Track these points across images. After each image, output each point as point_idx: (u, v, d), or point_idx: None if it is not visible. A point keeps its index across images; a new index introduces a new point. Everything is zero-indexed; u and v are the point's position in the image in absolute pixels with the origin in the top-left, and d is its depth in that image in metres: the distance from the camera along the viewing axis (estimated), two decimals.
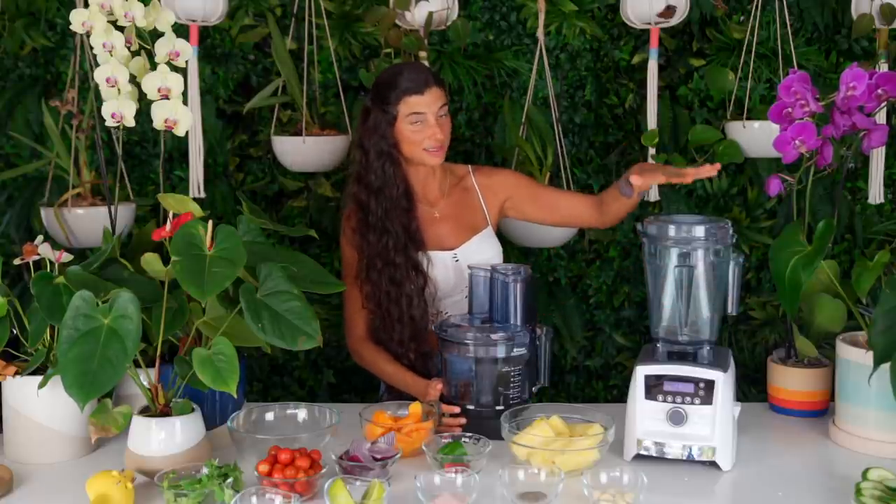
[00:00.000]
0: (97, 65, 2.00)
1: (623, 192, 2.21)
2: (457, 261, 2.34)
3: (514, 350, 2.04)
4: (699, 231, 1.93)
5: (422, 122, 2.26)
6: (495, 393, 2.05)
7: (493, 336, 2.05)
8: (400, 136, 2.28)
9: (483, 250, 2.37)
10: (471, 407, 2.06)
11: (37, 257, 1.98)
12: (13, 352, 1.98)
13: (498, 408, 2.03)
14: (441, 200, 2.41)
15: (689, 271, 1.93)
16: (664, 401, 1.90)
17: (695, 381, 1.88)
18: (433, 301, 2.31)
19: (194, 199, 2.15)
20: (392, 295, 2.27)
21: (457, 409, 2.06)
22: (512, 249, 3.01)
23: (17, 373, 1.92)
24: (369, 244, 2.29)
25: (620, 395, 3.21)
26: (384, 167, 2.29)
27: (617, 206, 2.30)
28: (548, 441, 1.84)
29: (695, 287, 1.93)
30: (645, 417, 1.91)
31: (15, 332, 1.97)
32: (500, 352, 2.04)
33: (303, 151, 2.87)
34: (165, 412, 1.83)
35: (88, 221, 2.61)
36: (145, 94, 1.99)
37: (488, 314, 2.14)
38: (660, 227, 1.95)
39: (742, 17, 3.23)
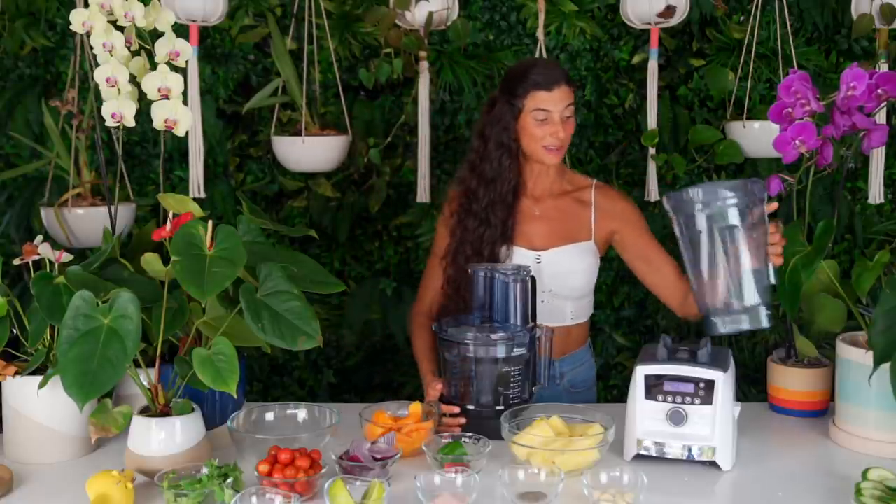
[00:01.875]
0: (97, 65, 2.00)
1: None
2: (539, 262, 2.30)
3: (514, 350, 2.04)
4: (731, 190, 1.86)
5: (546, 119, 2.23)
6: (495, 393, 2.05)
7: (493, 336, 2.05)
8: (522, 131, 2.26)
9: (573, 261, 2.31)
10: (471, 407, 2.06)
11: (37, 257, 1.98)
12: (13, 352, 1.98)
13: (498, 408, 2.03)
14: (546, 200, 2.36)
15: (732, 232, 1.86)
16: (664, 401, 1.90)
17: (695, 381, 1.88)
18: None
19: (194, 199, 2.15)
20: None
21: (456, 409, 2.06)
22: None
23: (17, 373, 1.92)
24: (465, 230, 2.30)
25: (620, 395, 3.21)
26: (501, 159, 2.28)
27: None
28: (548, 441, 1.84)
29: (741, 249, 1.86)
30: (645, 417, 1.91)
31: (15, 332, 1.96)
32: (500, 352, 2.04)
33: (303, 151, 2.87)
34: (165, 412, 1.83)
35: (88, 221, 2.61)
36: (145, 94, 1.99)
37: (488, 314, 2.14)
38: (690, 193, 1.88)
39: (742, 17, 3.23)
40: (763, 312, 1.91)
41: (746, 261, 1.88)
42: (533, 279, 2.13)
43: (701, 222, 1.88)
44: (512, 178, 2.29)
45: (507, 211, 2.29)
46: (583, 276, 2.34)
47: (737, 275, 1.89)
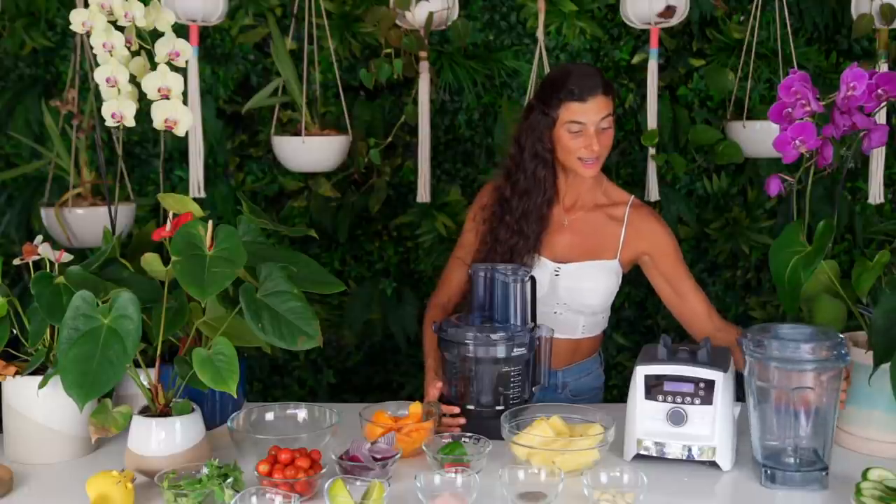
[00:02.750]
0: (97, 65, 2.00)
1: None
2: (557, 275, 2.27)
3: (515, 350, 2.04)
4: (813, 350, 1.79)
5: (581, 131, 2.16)
6: (495, 393, 2.05)
7: (493, 336, 2.05)
8: (556, 141, 2.20)
9: (593, 279, 2.28)
10: (471, 407, 2.06)
11: (37, 257, 1.98)
12: (13, 352, 1.98)
13: (498, 408, 2.03)
14: (577, 211, 2.32)
15: (803, 393, 1.81)
16: (664, 401, 1.89)
17: (695, 381, 1.88)
18: None
19: (194, 199, 2.15)
20: None
21: (456, 410, 2.06)
22: None
23: (17, 373, 1.92)
24: (497, 240, 2.26)
25: (620, 395, 3.21)
26: (536, 170, 2.22)
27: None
28: (548, 441, 1.84)
29: (809, 410, 1.81)
30: (645, 417, 1.91)
31: (15, 332, 1.96)
32: (500, 352, 2.04)
33: (303, 151, 2.87)
34: (165, 412, 1.83)
35: (88, 221, 2.61)
36: (145, 94, 1.99)
37: (488, 314, 2.14)
38: (769, 343, 1.82)
39: (742, 17, 3.23)
40: (705, 349, 1.93)
41: (818, 423, 1.83)
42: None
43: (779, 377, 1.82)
44: (547, 189, 2.24)
45: (541, 224, 2.25)
46: (600, 296, 2.31)
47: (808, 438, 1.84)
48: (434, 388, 2.10)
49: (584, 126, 2.16)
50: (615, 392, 3.42)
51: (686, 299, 2.30)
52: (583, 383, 2.43)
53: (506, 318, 2.10)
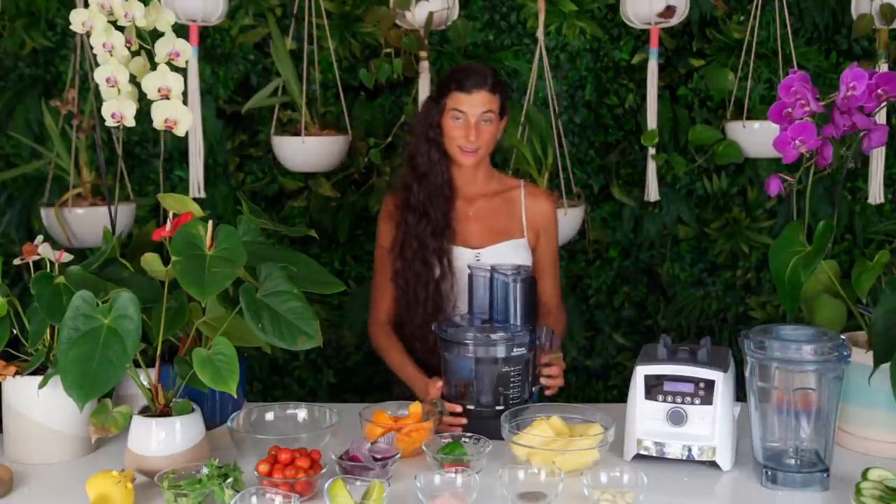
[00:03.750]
0: (97, 65, 2.00)
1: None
2: (478, 259, 2.34)
3: (515, 350, 2.04)
4: (815, 351, 1.79)
5: (461, 120, 2.28)
6: (495, 393, 2.05)
7: (493, 336, 2.05)
8: (443, 129, 2.32)
9: (510, 257, 2.35)
10: (471, 407, 2.06)
11: (37, 257, 1.98)
12: (13, 352, 1.98)
13: (498, 408, 2.03)
14: (478, 201, 2.41)
15: (804, 394, 1.81)
16: (664, 401, 1.89)
17: (695, 381, 1.88)
18: (452, 292, 2.34)
19: (194, 199, 2.15)
20: (422, 276, 2.32)
21: (459, 408, 2.06)
22: None
23: (17, 373, 1.92)
24: (407, 224, 2.34)
25: (620, 395, 3.21)
26: (430, 153, 2.34)
27: None
28: (548, 441, 1.84)
29: (811, 411, 1.82)
30: (645, 417, 1.91)
31: (15, 332, 1.96)
32: (501, 352, 2.04)
33: (303, 151, 2.87)
34: (165, 412, 1.83)
35: (88, 221, 2.61)
36: (145, 94, 1.99)
37: (488, 314, 2.14)
38: (770, 344, 1.82)
39: (742, 17, 3.23)
40: (705, 349, 1.94)
41: (819, 423, 1.83)
42: (534, 279, 2.13)
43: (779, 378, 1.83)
44: (444, 171, 2.35)
45: (446, 204, 2.35)
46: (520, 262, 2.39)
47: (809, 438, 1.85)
48: (434, 388, 2.11)
49: (465, 116, 2.28)
50: (615, 392, 3.42)
51: (543, 276, 2.41)
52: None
53: (506, 319, 2.10)
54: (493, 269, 2.14)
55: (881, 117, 2.50)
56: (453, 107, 2.28)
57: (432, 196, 2.34)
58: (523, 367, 2.07)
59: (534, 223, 2.42)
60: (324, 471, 1.75)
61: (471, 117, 2.28)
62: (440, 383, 2.11)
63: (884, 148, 2.74)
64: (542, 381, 2.15)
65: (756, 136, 2.86)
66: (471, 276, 2.19)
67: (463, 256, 2.34)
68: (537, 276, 2.37)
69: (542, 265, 2.44)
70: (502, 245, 2.37)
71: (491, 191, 2.43)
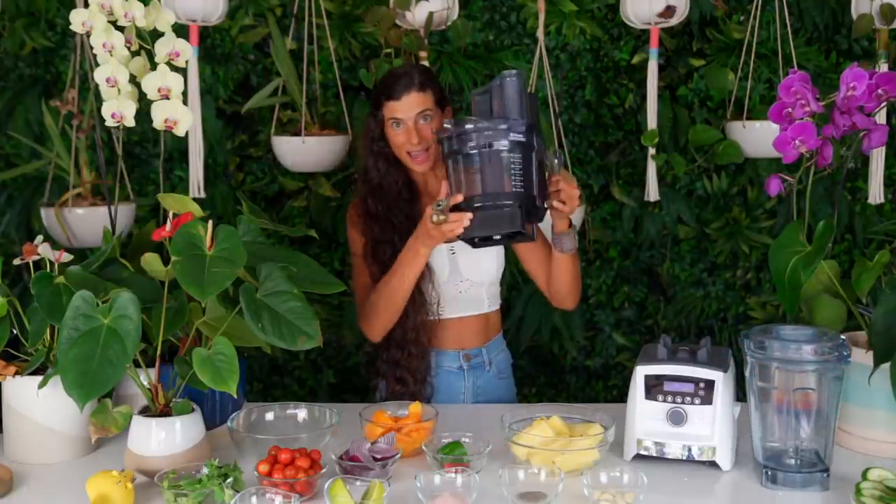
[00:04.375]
0: (97, 65, 2.00)
1: (556, 246, 2.21)
2: (453, 253, 2.36)
3: (511, 136, 1.98)
4: (815, 351, 1.79)
5: (401, 126, 2.28)
6: (496, 183, 1.99)
7: (489, 123, 1.99)
8: (388, 138, 2.32)
9: (485, 250, 2.35)
10: (477, 196, 1.99)
11: (37, 257, 1.98)
12: (13, 352, 1.98)
13: (506, 198, 1.98)
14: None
15: (804, 394, 1.81)
16: (664, 401, 1.89)
17: (695, 381, 1.88)
18: (433, 290, 2.34)
19: (194, 199, 2.15)
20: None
21: (460, 197, 2.01)
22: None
23: (17, 373, 1.92)
24: (374, 233, 2.34)
25: (620, 395, 3.21)
26: (378, 165, 2.34)
27: (556, 271, 2.30)
28: (548, 441, 1.84)
29: (811, 411, 1.82)
30: (645, 417, 1.91)
31: (15, 332, 1.96)
32: (500, 137, 1.98)
33: (303, 151, 2.87)
34: (165, 412, 1.83)
35: (88, 221, 2.61)
36: (145, 94, 1.99)
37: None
38: (770, 344, 1.82)
39: (742, 17, 3.23)
40: (705, 349, 1.94)
41: (820, 423, 1.83)
42: (522, 74, 2.07)
43: (780, 378, 1.83)
44: (398, 178, 2.35)
45: (409, 206, 2.34)
46: (495, 260, 2.41)
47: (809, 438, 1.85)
48: (441, 193, 2.06)
49: (403, 121, 2.28)
50: (615, 392, 3.42)
51: (536, 250, 2.37)
52: (501, 359, 2.51)
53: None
54: (483, 87, 2.10)
55: (881, 117, 2.50)
56: (390, 116, 2.28)
57: (391, 205, 2.34)
58: (523, 156, 1.99)
59: None
60: (324, 471, 1.75)
61: (408, 121, 2.27)
62: (445, 185, 2.05)
63: (884, 148, 2.74)
64: (555, 202, 2.07)
65: (756, 136, 2.86)
66: (473, 100, 2.13)
67: (439, 253, 2.33)
68: (528, 255, 2.38)
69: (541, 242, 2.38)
70: None
71: None
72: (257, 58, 3.30)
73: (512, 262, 2.71)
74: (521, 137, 1.99)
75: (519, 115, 2.02)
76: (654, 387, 1.90)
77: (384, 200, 2.34)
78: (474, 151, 2.00)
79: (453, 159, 2.04)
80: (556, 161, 2.09)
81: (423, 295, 2.32)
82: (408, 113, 2.27)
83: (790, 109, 2.07)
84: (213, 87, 3.25)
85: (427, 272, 2.31)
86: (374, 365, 2.43)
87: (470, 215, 2.01)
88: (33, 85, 3.23)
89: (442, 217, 2.02)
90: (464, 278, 2.38)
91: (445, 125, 2.05)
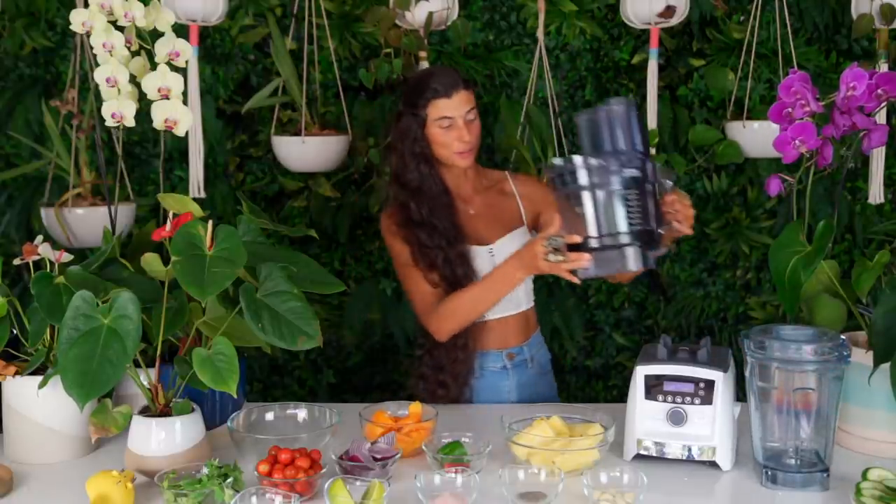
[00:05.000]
0: (97, 65, 2.00)
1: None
2: (492, 255, 2.35)
3: (626, 171, 1.89)
4: (815, 351, 1.79)
5: (450, 125, 2.28)
6: (613, 223, 1.90)
7: (603, 160, 1.89)
8: (431, 139, 2.30)
9: (518, 246, 2.31)
10: (592, 239, 1.91)
11: (37, 257, 1.98)
12: (13, 352, 1.98)
13: (622, 237, 1.89)
14: (475, 198, 2.42)
15: (804, 394, 1.81)
16: (664, 401, 1.89)
17: (695, 381, 1.88)
18: None
19: (194, 199, 2.15)
20: (457, 276, 2.28)
21: (579, 239, 1.93)
22: None
23: (17, 373, 1.92)
24: (421, 240, 2.31)
25: (620, 395, 3.21)
26: (419, 168, 2.32)
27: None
28: (548, 441, 1.84)
29: (811, 411, 1.82)
30: (645, 417, 1.91)
31: (15, 332, 1.96)
32: (614, 176, 1.88)
33: (303, 151, 2.87)
34: (165, 412, 1.83)
35: (88, 221, 2.61)
36: (145, 94, 1.99)
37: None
38: (770, 344, 1.82)
39: (742, 17, 3.23)
40: (705, 349, 1.93)
41: (820, 422, 1.83)
42: (636, 104, 2.02)
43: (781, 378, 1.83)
44: (437, 181, 2.33)
45: (449, 211, 2.34)
46: None
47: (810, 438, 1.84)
48: (552, 227, 2.01)
49: (453, 120, 2.27)
50: (615, 392, 3.42)
51: None
52: (542, 355, 2.51)
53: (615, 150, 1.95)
54: (595, 109, 2.00)
55: (881, 117, 2.50)
56: (438, 115, 2.27)
57: (433, 208, 2.32)
58: (641, 193, 1.90)
59: (531, 206, 2.43)
60: (324, 471, 1.75)
61: (458, 119, 2.27)
62: (557, 219, 1.98)
63: (884, 148, 2.74)
64: (669, 217, 2.01)
65: (756, 136, 2.86)
66: (578, 126, 2.03)
67: (479, 255, 2.34)
68: None
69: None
70: (510, 236, 2.38)
71: (483, 186, 2.45)
72: (257, 58, 3.30)
73: None
74: (636, 173, 1.91)
75: (631, 147, 1.95)
76: (654, 387, 1.90)
77: (426, 204, 2.32)
78: (588, 191, 1.91)
79: (566, 196, 1.95)
80: (669, 183, 2.03)
81: None
82: (459, 110, 2.27)
83: (790, 109, 2.07)
84: (213, 87, 3.25)
85: (473, 276, 2.30)
86: (416, 367, 2.42)
87: (589, 256, 1.92)
88: (33, 85, 3.23)
89: (560, 257, 1.97)
90: None
91: (555, 162, 1.97)
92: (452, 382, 2.33)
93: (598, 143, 1.97)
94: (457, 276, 2.29)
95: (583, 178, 1.90)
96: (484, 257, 2.34)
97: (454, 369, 2.33)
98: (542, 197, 2.41)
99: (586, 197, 1.91)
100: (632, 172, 1.90)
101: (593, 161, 1.90)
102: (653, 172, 1.95)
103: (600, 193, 1.90)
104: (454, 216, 2.34)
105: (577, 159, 1.91)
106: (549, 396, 2.49)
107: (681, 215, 2.05)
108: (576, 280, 1.99)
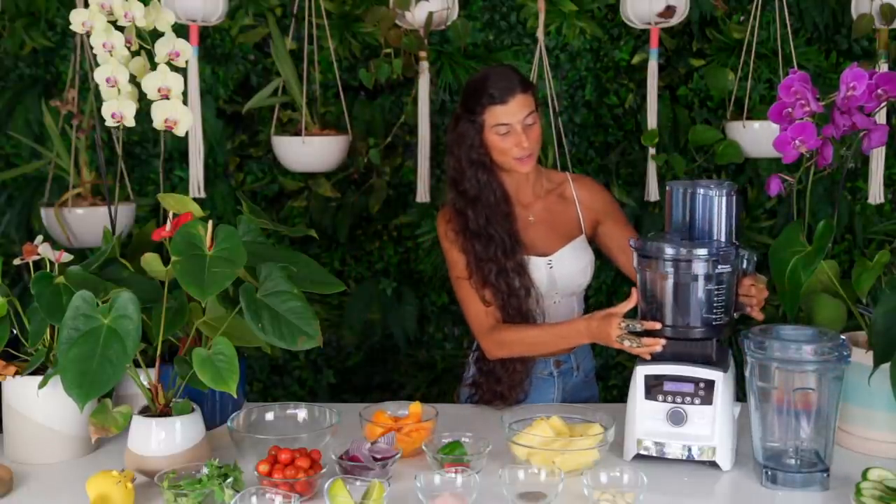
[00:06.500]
0: (97, 65, 2.00)
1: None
2: (551, 267, 2.30)
3: (718, 267, 1.88)
4: (815, 351, 1.79)
5: (508, 131, 2.20)
6: (696, 315, 1.91)
7: (696, 252, 1.89)
8: (489, 145, 2.23)
9: (577, 258, 2.33)
10: (669, 329, 1.91)
11: (37, 257, 1.98)
12: (13, 352, 1.98)
13: (698, 331, 1.90)
14: (535, 204, 2.37)
15: (804, 394, 1.81)
16: (664, 401, 1.90)
17: (695, 381, 1.88)
18: (538, 305, 2.27)
19: (194, 199, 2.15)
20: (513, 288, 2.24)
21: (658, 325, 1.92)
22: None
23: (17, 373, 1.92)
24: (476, 251, 2.25)
25: (620, 395, 3.21)
26: (478, 175, 2.25)
27: None
28: (548, 441, 1.84)
29: (811, 411, 1.82)
30: (645, 417, 1.91)
31: (15, 332, 1.97)
32: (702, 268, 1.88)
33: (303, 151, 2.87)
34: (165, 412, 1.83)
35: (88, 221, 2.61)
36: (145, 94, 1.99)
37: (687, 233, 2.00)
38: (770, 344, 1.82)
39: (742, 17, 3.23)
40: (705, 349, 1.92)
41: (820, 422, 1.83)
42: (737, 193, 2.01)
43: (780, 378, 1.82)
44: (496, 189, 2.27)
45: (507, 220, 2.27)
46: (587, 273, 2.37)
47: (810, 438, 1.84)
48: (629, 302, 2.00)
49: (511, 126, 2.20)
50: (615, 392, 3.42)
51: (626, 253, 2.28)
52: (587, 362, 2.48)
53: (709, 237, 1.98)
54: (695, 185, 2.00)
55: (881, 117, 2.50)
56: (495, 122, 2.19)
57: (490, 217, 2.25)
58: (727, 288, 1.90)
59: (590, 214, 2.38)
60: (324, 471, 1.75)
61: (516, 125, 2.19)
62: (634, 295, 1.97)
63: (884, 148, 2.73)
64: (743, 300, 2.00)
65: (756, 136, 2.86)
66: (669, 195, 2.04)
67: (537, 267, 2.29)
68: (620, 256, 2.33)
69: (624, 244, 2.24)
70: (568, 248, 2.33)
71: (544, 190, 2.38)
72: (257, 58, 3.30)
73: None
74: (727, 268, 1.90)
75: (727, 238, 1.95)
76: (654, 387, 1.90)
77: (483, 213, 2.25)
78: (673, 279, 1.90)
79: (649, 276, 1.94)
80: (747, 266, 2.02)
81: (531, 313, 2.25)
82: (517, 116, 2.19)
83: (790, 109, 2.07)
84: (213, 87, 3.25)
85: (532, 288, 2.26)
86: (467, 374, 2.40)
87: (663, 342, 1.92)
88: (33, 85, 3.23)
89: (635, 343, 1.94)
90: (559, 290, 2.33)
91: (644, 241, 1.95)
92: (509, 392, 2.28)
93: (692, 223, 1.97)
94: (513, 287, 2.24)
95: (671, 264, 1.90)
96: (542, 269, 2.29)
97: (511, 379, 2.28)
98: (602, 205, 2.39)
99: (670, 286, 1.91)
100: (724, 269, 1.90)
101: (684, 250, 1.89)
102: (741, 265, 1.95)
103: (686, 285, 1.90)
104: (512, 225, 2.27)
105: (669, 245, 1.90)
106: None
107: (755, 300, 2.04)
108: (647, 357, 1.95)
